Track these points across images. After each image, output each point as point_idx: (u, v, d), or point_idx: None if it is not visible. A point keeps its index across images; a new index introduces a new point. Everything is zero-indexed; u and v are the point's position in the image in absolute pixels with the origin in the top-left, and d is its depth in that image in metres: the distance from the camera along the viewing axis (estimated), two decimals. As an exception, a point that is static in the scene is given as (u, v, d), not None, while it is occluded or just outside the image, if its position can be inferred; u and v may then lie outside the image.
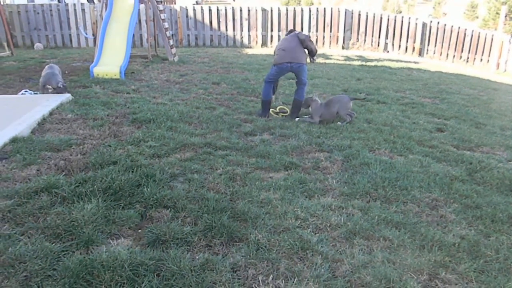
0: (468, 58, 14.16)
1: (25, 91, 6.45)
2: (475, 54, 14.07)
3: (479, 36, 14.00)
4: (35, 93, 6.42)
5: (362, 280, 2.46)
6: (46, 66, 6.52)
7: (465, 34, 14.09)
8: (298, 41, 5.80)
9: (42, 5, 13.83)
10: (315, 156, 4.44)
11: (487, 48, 13.89)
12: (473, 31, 14.24)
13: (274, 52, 5.98)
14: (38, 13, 13.63)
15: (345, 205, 3.38)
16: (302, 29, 14.59)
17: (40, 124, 4.90)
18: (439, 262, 2.69)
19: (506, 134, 5.77)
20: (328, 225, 3.06)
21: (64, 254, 2.52)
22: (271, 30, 14.67)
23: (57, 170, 3.68)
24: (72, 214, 2.91)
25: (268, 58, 11.07)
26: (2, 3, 12.26)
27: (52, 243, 2.60)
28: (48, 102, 5.62)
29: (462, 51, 14.18)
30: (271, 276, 2.47)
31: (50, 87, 6.09)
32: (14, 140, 4.25)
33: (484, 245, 2.92)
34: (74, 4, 13.89)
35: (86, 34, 13.06)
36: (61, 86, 6.10)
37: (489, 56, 13.89)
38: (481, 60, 14.01)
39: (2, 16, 11.11)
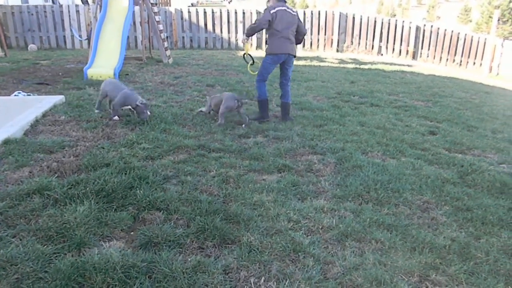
0: (461, 61, 14.28)
1: (18, 93, 6.43)
2: (468, 57, 14.20)
3: (472, 40, 14.13)
4: (28, 95, 6.40)
5: (354, 282, 2.48)
6: (110, 82, 5.54)
7: (458, 37, 14.22)
8: (295, 32, 5.60)
9: (36, 6, 13.79)
10: (308, 158, 4.46)
11: (480, 51, 14.02)
12: (466, 34, 14.38)
13: (256, 27, 5.59)
14: (32, 14, 13.58)
15: (337, 208, 3.40)
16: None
17: (33, 126, 4.88)
18: (430, 264, 2.71)
19: (497, 137, 5.83)
20: (320, 227, 3.08)
21: (56, 256, 2.51)
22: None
23: (49, 172, 3.66)
24: (64, 216, 2.90)
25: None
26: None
27: (44, 245, 2.59)
28: (41, 104, 5.60)
29: (455, 54, 14.31)
30: (263, 278, 2.48)
31: (129, 106, 5.22)
32: (6, 142, 4.23)
33: (474, 247, 2.94)
34: (68, 6, 13.86)
35: (78, 35, 12.98)
36: (141, 104, 5.12)
37: (482, 59, 14.01)
38: (474, 63, 14.14)
39: (-5, 17, 11.07)
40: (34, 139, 4.46)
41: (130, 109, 5.30)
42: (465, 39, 14.16)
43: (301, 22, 5.73)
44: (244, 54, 6.30)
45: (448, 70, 13.47)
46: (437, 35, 14.37)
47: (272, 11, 5.47)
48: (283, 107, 5.89)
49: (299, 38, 5.74)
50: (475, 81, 11.63)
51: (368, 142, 5.02)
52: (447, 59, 14.39)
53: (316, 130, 5.40)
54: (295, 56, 5.72)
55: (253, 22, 5.85)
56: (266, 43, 5.74)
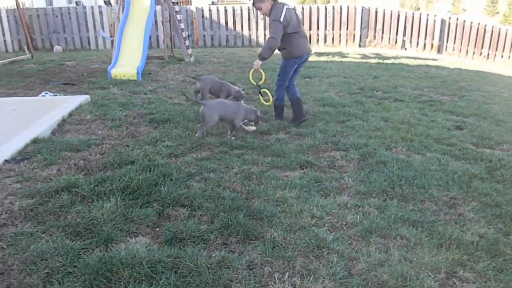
0: (488, 54, 13.88)
1: (46, 93, 6.60)
2: (496, 50, 13.78)
3: (499, 32, 13.71)
4: (55, 95, 6.57)
5: (379, 278, 2.45)
6: (223, 101, 5.12)
7: (485, 30, 13.82)
8: None
9: (60, 8, 14.13)
10: (331, 154, 4.43)
11: (508, 44, 13.59)
12: (493, 27, 13.95)
13: (273, 46, 5.03)
14: (57, 16, 13.91)
15: (361, 204, 3.36)
16: (318, 28, 14.55)
17: (60, 125, 5.01)
18: (457, 260, 2.65)
19: (527, 132, 5.65)
20: (344, 223, 3.06)
21: (84, 251, 2.58)
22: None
23: (76, 169, 3.76)
24: (92, 212, 2.97)
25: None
26: (22, 6, 12.54)
27: (73, 241, 2.66)
28: (68, 104, 5.74)
29: (482, 47, 13.91)
30: (287, 274, 2.48)
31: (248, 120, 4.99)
32: (35, 141, 4.36)
33: (504, 244, 2.87)
34: (92, 7, 14.14)
35: (107, 36, 13.26)
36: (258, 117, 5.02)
37: (510, 52, 13.58)
38: (502, 56, 13.72)
39: (22, 19, 11.38)
40: (61, 138, 4.58)
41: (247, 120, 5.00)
42: (492, 32, 13.75)
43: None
44: (260, 85, 5.55)
45: (474, 63, 13.11)
46: (463, 28, 14.00)
47: (281, 19, 5.01)
48: (296, 104, 5.55)
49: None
50: (504, 74, 11.28)
51: (392, 138, 4.94)
52: (473, 52, 14.01)
53: (339, 126, 5.35)
54: None
55: (267, 41, 5.17)
56: (281, 49, 5.28)
